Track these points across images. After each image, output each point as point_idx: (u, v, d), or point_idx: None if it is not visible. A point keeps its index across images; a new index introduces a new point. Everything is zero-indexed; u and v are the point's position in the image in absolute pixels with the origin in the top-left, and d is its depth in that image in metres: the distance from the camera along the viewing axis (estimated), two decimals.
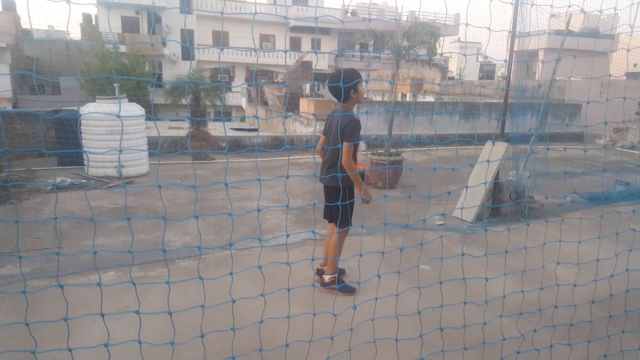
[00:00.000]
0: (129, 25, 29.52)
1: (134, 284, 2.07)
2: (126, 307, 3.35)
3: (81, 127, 7.80)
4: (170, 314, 2.08)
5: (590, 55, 24.66)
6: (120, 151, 1.85)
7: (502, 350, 2.75)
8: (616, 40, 25.67)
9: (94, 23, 31.21)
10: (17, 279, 3.91)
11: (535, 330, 2.83)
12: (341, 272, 4.16)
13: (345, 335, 2.63)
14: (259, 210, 2.20)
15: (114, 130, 7.61)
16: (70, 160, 8.44)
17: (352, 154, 3.46)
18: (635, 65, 24.34)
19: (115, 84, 7.90)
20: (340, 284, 3.83)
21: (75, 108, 9.26)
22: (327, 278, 3.84)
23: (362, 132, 3.52)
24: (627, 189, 7.54)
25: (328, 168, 3.68)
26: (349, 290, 3.81)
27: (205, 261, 4.47)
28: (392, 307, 2.82)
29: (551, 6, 4.18)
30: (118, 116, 1.83)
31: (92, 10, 31.25)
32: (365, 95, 3.69)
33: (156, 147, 10.29)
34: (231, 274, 2.16)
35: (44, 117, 2.16)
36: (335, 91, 3.53)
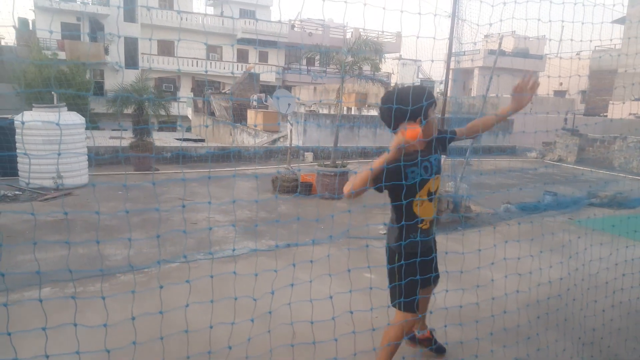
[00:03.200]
0: (70, 31, 28.33)
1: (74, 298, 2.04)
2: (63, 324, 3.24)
3: (16, 137, 7.42)
4: (105, 325, 2.07)
5: (521, 74, 26.32)
6: (59, 154, 1.84)
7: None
8: (544, 60, 27.59)
9: (30, 28, 29.69)
10: None
11: (477, 339, 3.02)
12: (440, 350, 3.04)
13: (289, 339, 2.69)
14: (210, 228, 2.24)
15: (51, 139, 7.30)
16: (3, 170, 7.98)
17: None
18: (561, 84, 26.24)
19: (53, 93, 7.60)
20: None
21: (9, 116, 8.79)
22: None
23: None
24: (555, 199, 8.13)
25: (432, 222, 2.63)
26: None
27: (147, 275, 4.39)
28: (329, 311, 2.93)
29: (477, 24, 4.51)
30: (57, 124, 1.83)
31: (30, 15, 29.80)
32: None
33: (96, 158, 9.94)
34: (189, 281, 2.18)
35: None
36: (390, 121, 2.41)
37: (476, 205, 7.33)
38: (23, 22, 30.10)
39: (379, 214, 6.99)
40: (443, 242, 5.52)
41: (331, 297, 2.56)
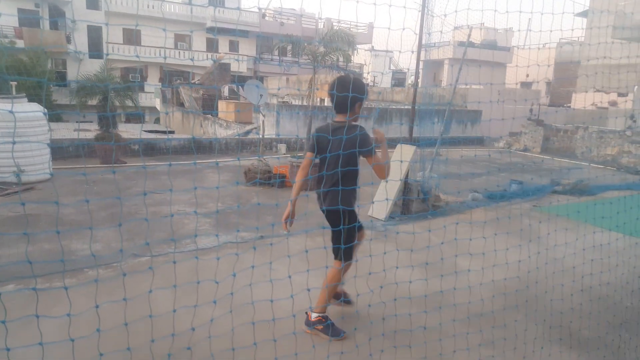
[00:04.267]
0: (27, 18, 27.16)
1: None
2: (29, 321, 3.15)
3: None
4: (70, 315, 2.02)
5: (490, 65, 26.82)
6: (14, 142, 1.77)
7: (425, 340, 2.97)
8: (511, 52, 28.19)
9: None
10: None
11: (454, 321, 3.09)
12: (347, 301, 3.65)
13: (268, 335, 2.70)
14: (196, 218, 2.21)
15: (10, 132, 7.02)
16: None
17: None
18: (527, 75, 26.88)
19: (12, 82, 7.30)
20: (326, 325, 3.23)
21: None
22: (313, 317, 3.26)
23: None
24: (520, 187, 8.36)
25: (330, 192, 3.16)
26: (335, 334, 3.20)
27: (116, 269, 4.30)
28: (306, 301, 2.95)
29: (445, 14, 4.57)
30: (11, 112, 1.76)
31: None
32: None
33: (60, 151, 9.63)
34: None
35: None
36: (341, 101, 3.02)
37: (445, 194, 7.47)
38: None
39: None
40: (412, 229, 5.61)
41: (290, 277, 2.61)
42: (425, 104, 7.73)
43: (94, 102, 10.44)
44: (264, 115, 12.42)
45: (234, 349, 2.45)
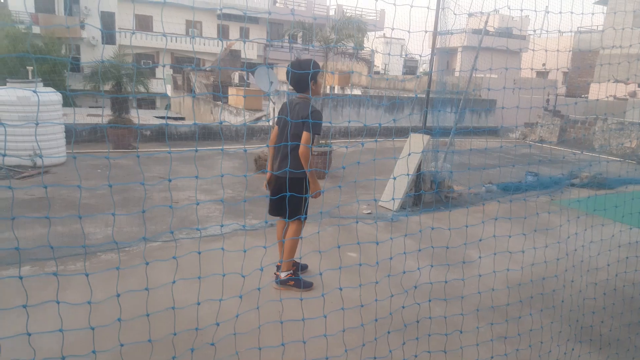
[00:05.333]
0: (43, 4, 27.26)
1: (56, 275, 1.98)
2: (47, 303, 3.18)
3: None
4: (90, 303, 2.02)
5: (504, 53, 26.37)
6: (37, 123, 1.76)
7: (429, 331, 2.95)
8: (527, 40, 27.66)
9: (2, 1, 28.46)
10: None
11: (462, 314, 3.05)
12: (303, 267, 4.06)
13: (276, 326, 2.69)
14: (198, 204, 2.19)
15: (27, 116, 7.06)
16: None
17: (310, 143, 3.31)
18: (544, 65, 26.40)
19: (28, 67, 7.31)
20: (296, 279, 3.68)
21: None
22: (283, 275, 3.68)
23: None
24: (536, 179, 8.25)
25: (282, 160, 3.48)
26: (306, 286, 3.68)
27: (129, 254, 4.33)
28: (337, 300, 2.93)
29: (468, 14, 4.45)
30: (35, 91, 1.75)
31: None
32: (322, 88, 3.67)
33: (74, 135, 9.67)
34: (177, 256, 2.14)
35: None
36: (295, 80, 3.39)
37: (458, 185, 7.40)
38: None
39: (362, 194, 6.99)
40: (426, 221, 5.56)
41: (321, 274, 2.56)
42: (439, 92, 7.62)
43: (107, 87, 10.46)
44: (274, 102, 12.36)
45: (260, 348, 2.37)
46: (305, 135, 3.28)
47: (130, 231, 4.91)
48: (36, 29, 23.70)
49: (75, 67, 25.48)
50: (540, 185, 7.94)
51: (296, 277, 3.69)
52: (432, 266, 2.89)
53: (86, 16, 28.01)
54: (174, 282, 2.19)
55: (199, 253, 2.24)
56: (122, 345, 2.04)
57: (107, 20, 28.73)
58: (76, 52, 28.51)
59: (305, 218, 3.62)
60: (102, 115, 2.47)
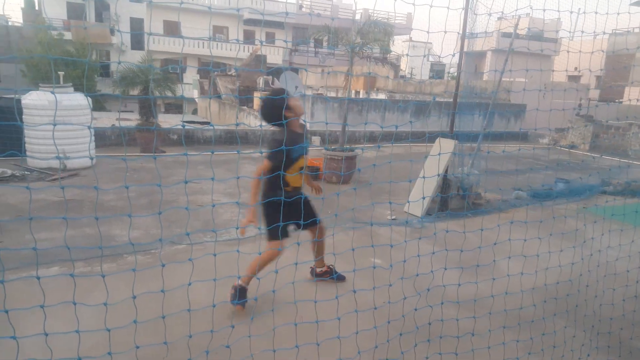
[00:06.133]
0: (75, 11, 28.14)
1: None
2: (70, 304, 3.21)
3: (23, 117, 7.35)
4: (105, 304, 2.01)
5: (535, 57, 25.83)
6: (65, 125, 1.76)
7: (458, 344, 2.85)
8: (559, 43, 27.01)
9: (36, 8, 29.50)
10: None
11: (490, 331, 2.95)
12: (340, 278, 3.90)
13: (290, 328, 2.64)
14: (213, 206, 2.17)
15: (57, 120, 7.23)
16: (9, 150, 7.94)
17: (268, 170, 3.27)
18: (576, 68, 25.73)
19: (60, 72, 7.50)
20: (236, 292, 3.36)
21: (16, 96, 8.73)
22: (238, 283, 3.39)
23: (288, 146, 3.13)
24: (567, 186, 7.98)
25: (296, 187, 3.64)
26: (340, 279, 3.82)
27: (154, 256, 4.35)
28: (351, 302, 2.87)
29: (502, 13, 4.34)
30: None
31: None
32: (301, 107, 3.50)
33: (103, 139, 9.88)
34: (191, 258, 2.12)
35: None
36: (268, 117, 3.36)
37: (486, 191, 7.22)
38: (29, 2, 29.90)
39: (387, 200, 6.89)
40: (453, 228, 5.43)
41: (335, 275, 2.50)
42: (466, 96, 7.46)
43: (135, 92, 10.65)
44: None
45: (274, 350, 2.35)
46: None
47: (156, 234, 4.95)
48: (68, 35, 24.45)
49: (105, 72, 26.15)
50: (571, 192, 7.68)
51: (238, 290, 3.41)
52: (462, 269, 2.79)
53: (116, 22, 28.76)
54: (189, 284, 2.19)
55: (215, 255, 2.24)
56: (137, 347, 2.04)
57: (136, 27, 29.44)
58: (106, 58, 29.27)
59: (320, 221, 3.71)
60: (118, 119, 2.47)
